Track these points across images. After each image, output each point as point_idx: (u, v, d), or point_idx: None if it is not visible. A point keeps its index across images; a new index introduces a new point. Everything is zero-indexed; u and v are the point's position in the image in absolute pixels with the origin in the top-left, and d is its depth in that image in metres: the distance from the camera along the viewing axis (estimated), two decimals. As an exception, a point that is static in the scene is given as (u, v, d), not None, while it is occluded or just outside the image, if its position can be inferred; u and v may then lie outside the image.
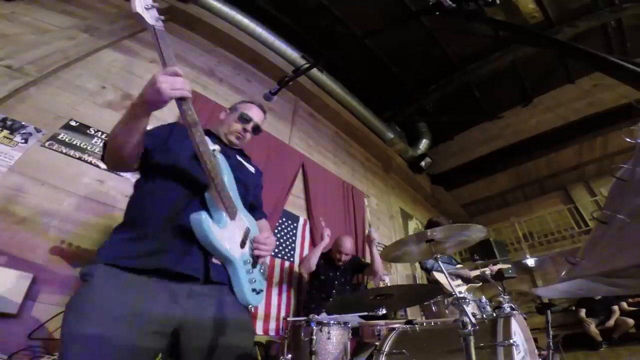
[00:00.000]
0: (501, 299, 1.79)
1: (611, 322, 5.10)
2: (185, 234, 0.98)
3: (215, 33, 4.32)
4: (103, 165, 2.54)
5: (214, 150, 1.10)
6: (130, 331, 0.83)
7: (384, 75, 6.26)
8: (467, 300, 1.23)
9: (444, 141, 8.04)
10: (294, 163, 4.16)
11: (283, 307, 3.15)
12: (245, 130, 1.42)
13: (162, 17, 0.94)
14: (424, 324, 1.69)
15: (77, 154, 2.49)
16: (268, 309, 3.01)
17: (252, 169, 1.45)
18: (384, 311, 1.65)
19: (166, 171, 1.10)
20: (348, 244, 2.94)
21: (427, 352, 1.41)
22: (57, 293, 2.00)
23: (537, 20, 5.46)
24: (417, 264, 5.40)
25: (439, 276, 3.17)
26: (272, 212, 3.28)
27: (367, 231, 2.96)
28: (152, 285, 0.93)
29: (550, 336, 2.77)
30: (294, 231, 3.76)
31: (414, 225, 6.73)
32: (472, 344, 1.06)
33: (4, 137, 2.22)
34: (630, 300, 5.21)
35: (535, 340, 1.64)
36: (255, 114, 1.46)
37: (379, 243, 5.01)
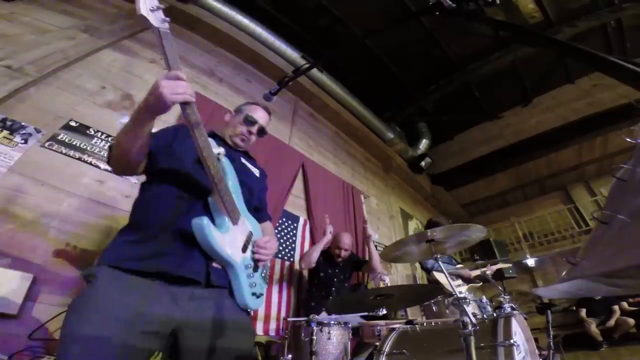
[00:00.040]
0: (502, 299, 1.79)
1: (612, 322, 5.10)
2: (187, 238, 0.99)
3: (215, 33, 4.33)
4: (104, 166, 2.56)
5: (218, 153, 1.10)
6: (130, 332, 0.84)
7: (384, 75, 6.27)
8: (468, 301, 1.23)
9: (444, 141, 8.04)
10: (294, 163, 4.16)
11: (283, 307, 3.15)
12: (250, 132, 1.41)
13: (168, 19, 0.93)
14: (425, 324, 1.69)
15: (77, 155, 2.49)
16: (268, 309, 3.01)
17: (256, 172, 1.45)
18: (384, 311, 1.65)
19: (170, 175, 1.11)
20: (347, 240, 2.97)
21: (427, 352, 1.41)
22: (57, 293, 2.00)
23: (537, 20, 5.46)
24: (417, 264, 5.40)
25: (439, 276, 3.17)
26: (272, 212, 3.26)
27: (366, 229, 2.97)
28: (154, 287, 0.93)
29: (551, 336, 2.77)
30: (294, 231, 3.76)
31: (414, 225, 6.73)
32: (472, 344, 1.06)
33: (4, 137, 2.22)
34: (630, 300, 5.21)
35: (536, 340, 1.64)
36: (260, 116, 1.45)
37: (379, 243, 5.03)
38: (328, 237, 2.91)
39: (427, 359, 1.39)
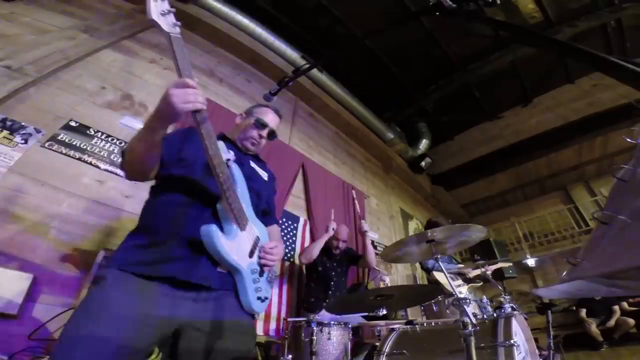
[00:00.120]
0: (502, 299, 1.79)
1: (612, 322, 5.10)
2: (195, 244, 1.00)
3: (215, 33, 4.33)
4: (104, 166, 2.56)
5: (227, 160, 1.10)
6: (133, 332, 0.85)
7: (384, 75, 6.27)
8: (468, 301, 1.23)
9: (444, 141, 8.04)
10: (294, 163, 4.16)
11: (283, 307, 3.15)
12: (260, 136, 1.40)
13: (179, 23, 0.92)
14: (425, 324, 1.69)
15: (77, 155, 2.49)
16: (268, 309, 3.01)
17: (265, 176, 1.45)
18: (385, 311, 1.65)
19: (180, 182, 1.11)
20: (344, 231, 3.00)
21: (427, 353, 1.41)
22: (58, 294, 2.00)
23: (537, 20, 5.46)
24: (417, 264, 5.40)
25: (440, 276, 3.17)
26: (272, 213, 3.28)
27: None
28: (160, 290, 0.95)
29: (551, 336, 2.77)
30: (294, 231, 3.76)
31: (414, 226, 6.72)
32: (472, 345, 1.06)
33: (4, 137, 2.22)
34: (630, 300, 5.20)
35: (536, 340, 1.64)
36: (271, 119, 1.44)
37: (379, 243, 5.03)
38: (330, 233, 2.91)
39: (427, 359, 1.39)
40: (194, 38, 4.19)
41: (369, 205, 5.39)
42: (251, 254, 1.13)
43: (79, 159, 2.49)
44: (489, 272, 3.39)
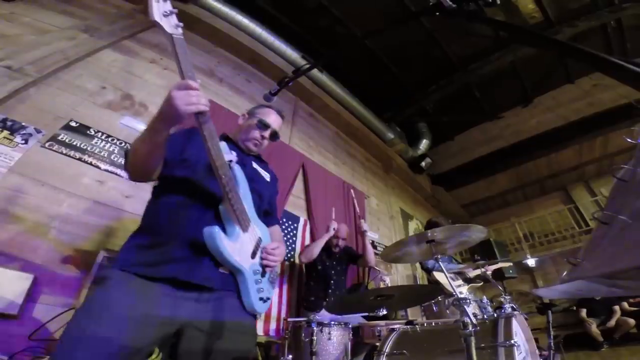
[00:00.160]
0: (502, 299, 1.79)
1: (612, 322, 5.09)
2: (197, 245, 1.00)
3: (215, 33, 4.33)
4: (104, 166, 2.56)
5: (230, 161, 1.11)
6: (133, 332, 0.86)
7: (384, 75, 6.26)
8: (468, 301, 1.23)
9: (444, 141, 8.04)
10: (294, 163, 4.16)
11: (284, 307, 3.15)
12: (263, 137, 1.40)
13: (181, 24, 0.92)
14: (425, 325, 1.69)
15: (77, 155, 2.49)
16: (268, 310, 3.00)
17: (267, 176, 1.45)
18: (385, 312, 1.65)
19: (182, 182, 1.12)
20: (343, 230, 3.01)
21: (427, 353, 1.41)
22: (58, 294, 2.00)
23: (537, 20, 5.46)
24: (417, 264, 5.40)
25: (440, 276, 3.17)
26: (273, 213, 3.28)
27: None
28: (162, 291, 0.95)
29: (551, 336, 2.77)
30: (294, 232, 3.76)
31: (414, 226, 6.72)
32: (473, 345, 1.06)
33: (4, 137, 2.22)
34: (631, 300, 5.20)
35: (536, 340, 1.64)
36: (273, 120, 1.44)
37: (379, 243, 5.03)
38: (331, 233, 2.91)
39: (427, 359, 1.39)
40: (193, 38, 4.19)
41: (369, 206, 5.39)
42: (253, 255, 1.14)
43: (79, 159, 2.49)
44: (489, 272, 3.39)
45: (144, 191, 2.66)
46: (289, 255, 3.52)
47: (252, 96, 4.32)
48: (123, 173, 2.65)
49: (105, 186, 2.53)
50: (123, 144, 2.76)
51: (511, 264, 4.75)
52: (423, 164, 7.02)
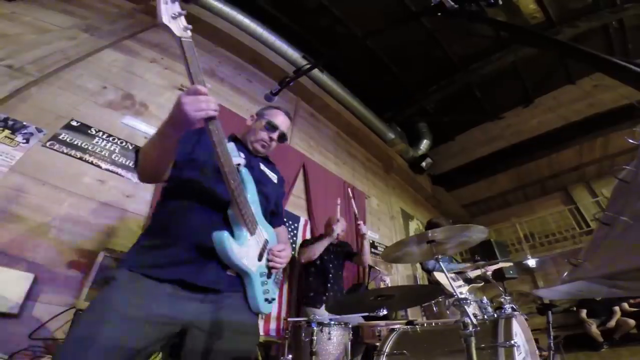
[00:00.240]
0: (502, 300, 1.79)
1: (612, 323, 5.09)
2: (205, 248, 1.01)
3: (216, 33, 4.33)
4: (105, 166, 2.57)
5: (238, 165, 1.12)
6: (138, 332, 0.87)
7: (385, 75, 6.26)
8: (469, 301, 1.23)
9: (445, 142, 8.03)
10: (295, 163, 4.16)
11: (283, 307, 3.15)
12: (271, 139, 1.41)
13: (190, 27, 0.91)
14: (425, 325, 1.69)
15: (78, 154, 2.49)
16: (269, 309, 3.00)
17: (274, 178, 1.46)
18: (385, 312, 1.65)
19: (192, 186, 1.13)
20: (341, 223, 2.97)
21: (427, 353, 1.41)
22: (58, 293, 2.01)
23: (538, 20, 5.45)
24: (418, 265, 5.39)
25: (440, 277, 3.17)
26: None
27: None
28: (168, 292, 0.96)
29: (551, 337, 2.77)
30: (295, 232, 3.76)
31: (414, 226, 6.72)
32: (473, 345, 1.06)
33: (6, 137, 2.22)
34: (631, 300, 5.19)
35: (536, 340, 1.64)
36: (281, 121, 1.44)
37: (379, 243, 5.03)
38: (334, 237, 2.87)
39: (427, 359, 1.39)
40: (194, 38, 4.11)
41: (369, 206, 5.39)
42: (260, 258, 1.15)
43: (80, 158, 2.49)
44: (489, 273, 3.39)
45: (145, 191, 2.69)
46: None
47: (253, 96, 4.32)
48: (124, 172, 2.65)
49: (106, 185, 2.53)
50: (124, 144, 2.76)
51: (512, 264, 4.73)
52: (424, 164, 7.02)
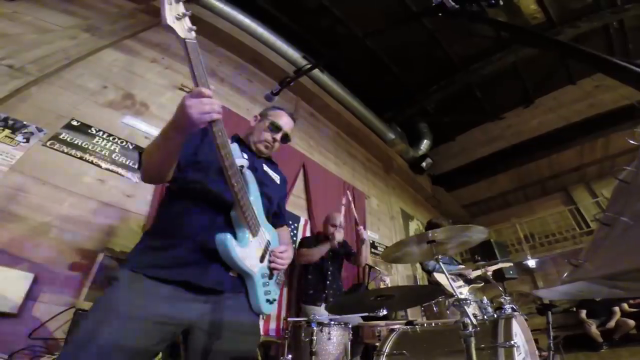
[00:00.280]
0: (502, 300, 1.79)
1: (612, 323, 5.09)
2: (209, 250, 1.02)
3: (217, 33, 4.33)
4: (105, 165, 2.57)
5: (241, 166, 1.12)
6: (142, 332, 0.88)
7: (385, 75, 6.26)
8: (469, 302, 1.23)
9: (445, 142, 8.03)
10: (295, 163, 4.16)
11: (283, 307, 3.15)
12: (274, 140, 1.41)
13: (194, 28, 0.90)
14: (425, 325, 1.69)
15: (79, 154, 2.50)
16: (269, 309, 3.00)
17: (277, 179, 1.46)
18: (385, 312, 1.65)
19: (195, 186, 1.13)
20: (338, 218, 2.94)
21: (427, 353, 1.41)
22: (58, 293, 2.01)
23: (539, 21, 5.45)
24: (418, 265, 5.39)
25: (440, 277, 3.17)
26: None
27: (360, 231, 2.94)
28: (171, 293, 0.97)
29: (551, 337, 2.77)
30: (295, 231, 3.76)
31: (414, 226, 6.72)
32: (473, 345, 1.06)
33: (6, 136, 2.22)
34: (631, 301, 5.19)
35: (536, 341, 1.64)
36: (285, 122, 1.45)
37: (379, 243, 5.03)
38: (335, 244, 2.84)
39: (427, 359, 1.39)
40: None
41: (369, 206, 5.39)
42: (262, 259, 1.16)
43: (81, 158, 2.49)
44: (489, 273, 3.39)
45: (145, 190, 2.69)
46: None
47: (253, 96, 4.32)
48: (124, 172, 2.65)
49: (106, 185, 2.54)
50: (124, 143, 2.76)
51: (511, 264, 4.73)
52: (424, 164, 7.01)
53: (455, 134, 7.95)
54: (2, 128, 2.24)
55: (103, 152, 2.62)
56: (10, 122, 2.29)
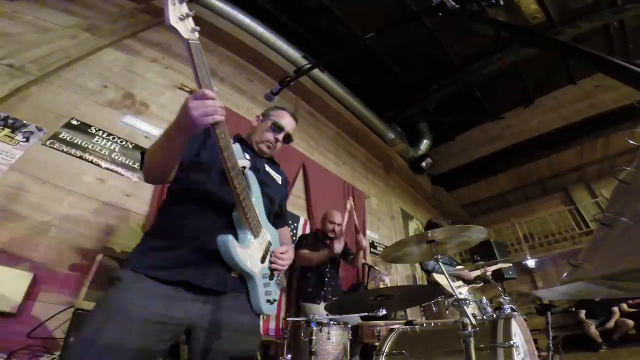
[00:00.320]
0: (502, 300, 1.79)
1: (611, 324, 5.08)
2: (210, 251, 1.02)
3: (217, 33, 4.33)
4: (105, 165, 2.57)
5: (243, 168, 1.12)
6: (144, 333, 0.88)
7: (386, 75, 6.25)
8: (468, 302, 1.23)
9: (445, 142, 8.03)
10: (295, 163, 4.16)
11: (283, 307, 3.15)
12: (277, 140, 1.41)
13: (198, 28, 0.89)
14: (424, 325, 1.69)
15: (79, 153, 2.50)
16: (268, 309, 2.99)
17: (279, 179, 1.46)
18: (385, 312, 1.65)
19: (197, 187, 1.13)
20: (337, 215, 2.97)
21: (427, 354, 1.40)
22: (57, 292, 2.01)
23: (540, 21, 5.45)
24: (417, 265, 5.39)
25: (440, 278, 3.17)
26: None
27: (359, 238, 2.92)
28: (172, 293, 0.97)
29: (551, 337, 2.77)
30: (295, 231, 3.76)
31: (414, 226, 6.72)
32: (472, 346, 1.06)
33: (6, 135, 2.22)
34: (630, 301, 5.19)
35: (536, 341, 1.63)
36: (287, 122, 1.45)
37: (379, 243, 5.03)
38: (337, 252, 2.82)
39: (426, 359, 1.39)
40: (195, 37, 4.18)
41: (369, 206, 5.39)
42: (263, 260, 1.16)
43: (81, 157, 2.50)
44: (489, 273, 3.39)
45: (145, 190, 2.69)
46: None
47: (253, 96, 4.32)
48: (124, 171, 2.65)
49: (106, 185, 2.54)
50: (124, 143, 2.77)
51: (511, 264, 4.73)
52: (424, 164, 7.01)
53: (456, 134, 7.95)
54: (2, 127, 2.24)
55: (103, 152, 2.62)
56: (11, 122, 2.29)
